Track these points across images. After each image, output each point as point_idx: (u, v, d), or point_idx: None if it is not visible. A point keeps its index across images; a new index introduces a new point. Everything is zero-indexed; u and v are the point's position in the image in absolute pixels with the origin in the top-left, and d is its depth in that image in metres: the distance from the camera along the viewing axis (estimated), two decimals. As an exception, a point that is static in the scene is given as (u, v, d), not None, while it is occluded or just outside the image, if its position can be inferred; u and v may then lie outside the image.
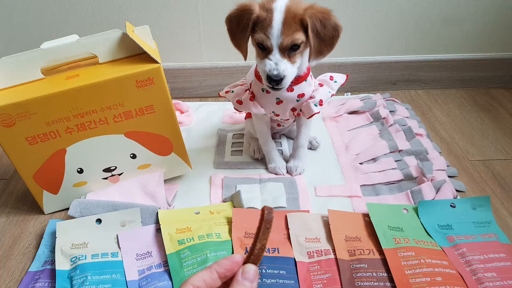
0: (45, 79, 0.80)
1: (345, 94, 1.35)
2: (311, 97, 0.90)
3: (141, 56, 0.81)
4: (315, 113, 0.90)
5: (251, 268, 0.40)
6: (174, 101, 1.25)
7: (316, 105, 0.89)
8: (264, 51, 0.80)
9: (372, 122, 1.17)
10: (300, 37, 0.77)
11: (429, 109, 1.27)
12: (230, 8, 0.81)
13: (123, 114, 0.82)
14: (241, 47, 0.82)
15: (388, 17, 1.27)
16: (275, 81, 0.79)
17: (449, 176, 0.96)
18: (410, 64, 1.36)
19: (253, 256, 0.42)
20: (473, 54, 1.35)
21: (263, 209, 0.43)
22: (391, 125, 1.13)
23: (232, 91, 0.94)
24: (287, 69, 0.79)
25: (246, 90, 0.92)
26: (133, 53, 0.83)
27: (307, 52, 0.82)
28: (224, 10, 0.83)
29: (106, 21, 1.24)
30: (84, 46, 0.80)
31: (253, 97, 0.91)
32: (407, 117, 1.18)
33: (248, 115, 1.06)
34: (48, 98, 0.76)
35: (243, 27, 0.78)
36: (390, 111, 1.20)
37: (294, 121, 1.02)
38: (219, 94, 0.98)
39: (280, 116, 0.94)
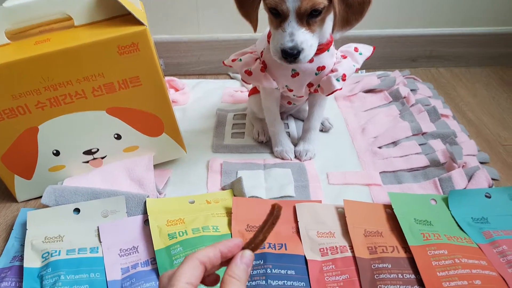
0: (10, 44, 0.72)
1: (359, 71, 1.28)
2: (332, 71, 0.80)
3: (124, 17, 0.72)
4: (336, 89, 0.80)
5: (249, 253, 0.43)
6: (167, 78, 1.19)
7: (338, 80, 0.80)
8: (278, 17, 0.70)
9: (391, 101, 1.10)
10: (321, 1, 0.67)
11: (453, 88, 1.20)
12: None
13: (103, 86, 0.73)
14: (250, 15, 0.73)
15: None
16: (291, 55, 0.69)
17: (480, 163, 0.88)
18: (432, 39, 1.30)
19: (253, 244, 0.44)
20: (503, 28, 1.29)
21: (273, 206, 0.46)
22: (412, 105, 1.06)
23: (240, 60, 0.85)
24: (306, 40, 0.69)
25: (256, 59, 0.83)
26: (115, 14, 0.74)
27: (330, 17, 0.72)
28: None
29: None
30: (57, 5, 0.71)
31: (264, 68, 0.82)
32: (430, 97, 1.11)
33: (253, 91, 0.98)
34: (13, 65, 0.67)
35: None
36: (411, 90, 1.13)
37: (307, 99, 0.93)
38: (223, 62, 0.90)
39: (294, 92, 0.85)
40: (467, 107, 1.09)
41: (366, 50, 0.86)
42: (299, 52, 0.69)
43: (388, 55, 1.31)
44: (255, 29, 0.74)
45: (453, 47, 1.31)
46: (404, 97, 1.08)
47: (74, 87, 0.71)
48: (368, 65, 1.30)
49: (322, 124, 0.99)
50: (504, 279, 0.62)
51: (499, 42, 1.30)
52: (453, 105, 1.10)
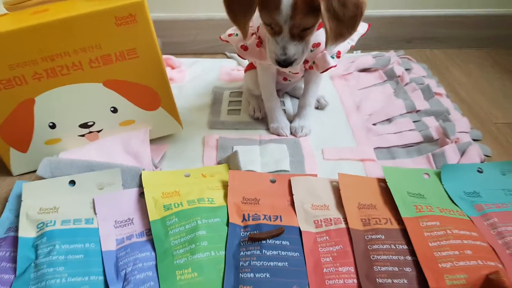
0: (8, 14, 0.74)
1: (355, 52, 1.30)
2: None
3: None
4: (331, 66, 0.83)
5: None
6: (164, 56, 1.18)
7: (333, 57, 0.83)
8: (272, 30, 0.75)
9: (386, 80, 1.12)
10: (311, 21, 0.72)
11: (446, 69, 1.23)
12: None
13: (100, 58, 0.74)
14: (241, 24, 0.76)
15: None
16: (284, 64, 0.76)
17: (472, 140, 0.90)
18: (427, 20, 1.32)
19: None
20: (497, 10, 1.31)
21: (279, 230, 0.64)
22: (407, 83, 1.08)
23: (236, 34, 0.88)
24: (298, 51, 0.75)
25: (252, 34, 0.85)
26: None
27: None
28: None
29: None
30: None
31: (260, 43, 0.84)
32: (424, 76, 1.14)
33: (249, 67, 1.00)
34: (10, 35, 0.68)
35: (246, 6, 0.73)
36: (405, 69, 1.15)
37: (302, 76, 0.95)
38: (220, 37, 0.92)
39: (289, 68, 0.85)
40: (461, 87, 1.12)
41: (361, 27, 0.87)
42: (292, 62, 0.75)
43: (383, 36, 1.33)
44: (245, 37, 0.77)
45: (447, 29, 1.33)
46: (399, 76, 1.10)
47: (71, 58, 0.72)
48: (364, 46, 1.31)
49: (317, 101, 1.01)
50: (494, 250, 0.64)
51: (493, 24, 1.32)
52: (446, 84, 1.13)
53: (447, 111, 0.95)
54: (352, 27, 0.71)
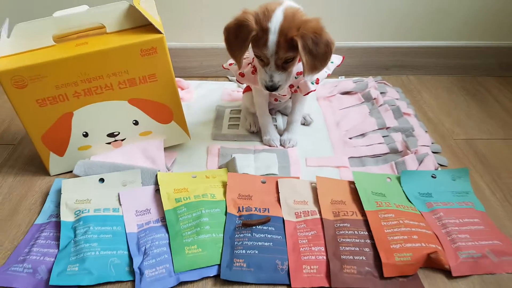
0: (56, 45, 0.86)
1: (340, 77, 1.40)
2: None
3: (146, 27, 0.87)
4: (311, 91, 0.95)
5: None
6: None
7: (312, 83, 0.95)
8: (262, 61, 0.88)
9: (363, 102, 1.22)
10: (292, 54, 0.84)
11: (418, 92, 1.33)
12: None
13: (127, 81, 0.88)
14: (237, 58, 0.88)
15: (380, 4, 1.32)
16: (271, 90, 0.89)
17: (433, 152, 1.02)
18: (402, 50, 1.40)
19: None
20: (463, 42, 1.39)
21: (266, 218, 0.79)
22: (381, 105, 1.18)
23: (235, 64, 0.98)
24: (282, 80, 0.88)
25: (248, 64, 0.97)
26: (139, 24, 0.88)
27: None
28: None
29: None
30: (94, 16, 0.86)
31: (255, 71, 0.96)
32: (397, 99, 1.23)
33: (246, 89, 1.12)
34: (58, 62, 0.81)
35: (241, 42, 0.84)
36: (381, 93, 1.25)
37: (290, 97, 1.07)
38: (223, 66, 1.04)
39: (276, 92, 0.99)
40: (429, 108, 1.23)
41: (337, 59, 1.00)
42: (277, 88, 0.88)
43: (365, 63, 1.41)
44: (239, 67, 0.90)
45: (421, 58, 1.40)
46: (374, 99, 1.20)
47: (104, 81, 0.85)
48: (348, 72, 1.41)
49: (304, 118, 1.12)
50: (437, 236, 0.77)
51: (461, 55, 1.40)
52: (417, 106, 1.23)
53: (412, 128, 1.06)
54: (323, 62, 0.83)
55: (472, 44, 1.40)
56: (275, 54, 0.83)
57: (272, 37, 0.81)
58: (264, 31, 0.81)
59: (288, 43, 0.81)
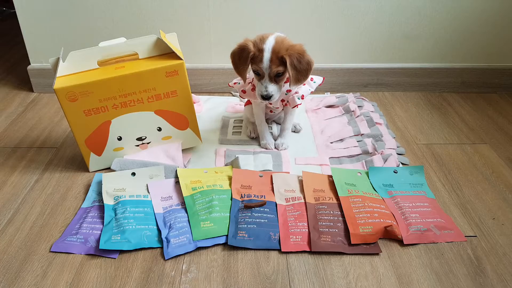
0: (99, 68, 1.07)
1: (325, 93, 1.60)
2: (296, 92, 1.17)
3: (170, 54, 1.09)
4: (298, 104, 1.17)
5: None
6: None
7: (298, 98, 1.17)
8: (258, 76, 1.08)
9: (344, 113, 1.42)
10: (281, 69, 1.05)
11: (391, 106, 1.54)
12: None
13: (154, 96, 1.09)
14: (242, 74, 1.10)
15: (359, 32, 1.52)
16: (265, 99, 1.08)
17: (398, 154, 1.23)
18: (379, 71, 1.59)
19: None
20: (431, 64, 1.60)
21: (263, 202, 0.97)
22: (357, 116, 1.39)
23: (239, 83, 1.21)
24: (274, 90, 1.08)
25: (249, 83, 1.19)
26: (164, 52, 1.10)
27: None
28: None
29: (143, 29, 1.50)
30: (129, 46, 1.08)
31: (254, 89, 1.16)
32: (371, 111, 1.43)
33: (248, 103, 1.32)
34: (102, 81, 1.03)
35: (243, 61, 1.06)
36: (358, 106, 1.44)
37: (282, 109, 1.27)
38: (228, 84, 1.25)
39: (273, 105, 1.22)
40: (398, 119, 1.44)
41: (318, 79, 1.22)
42: (270, 96, 1.08)
43: (347, 81, 1.60)
44: (244, 81, 1.12)
45: (394, 77, 1.60)
46: (353, 111, 1.40)
47: (137, 96, 1.06)
48: (333, 89, 1.62)
49: (294, 127, 1.33)
50: (393, 215, 0.98)
51: (429, 74, 1.60)
52: (389, 117, 1.45)
53: (381, 135, 1.27)
54: (305, 76, 1.04)
55: (439, 66, 1.60)
56: (269, 68, 1.04)
57: (267, 55, 1.03)
58: (260, 51, 1.04)
59: (279, 60, 1.03)
